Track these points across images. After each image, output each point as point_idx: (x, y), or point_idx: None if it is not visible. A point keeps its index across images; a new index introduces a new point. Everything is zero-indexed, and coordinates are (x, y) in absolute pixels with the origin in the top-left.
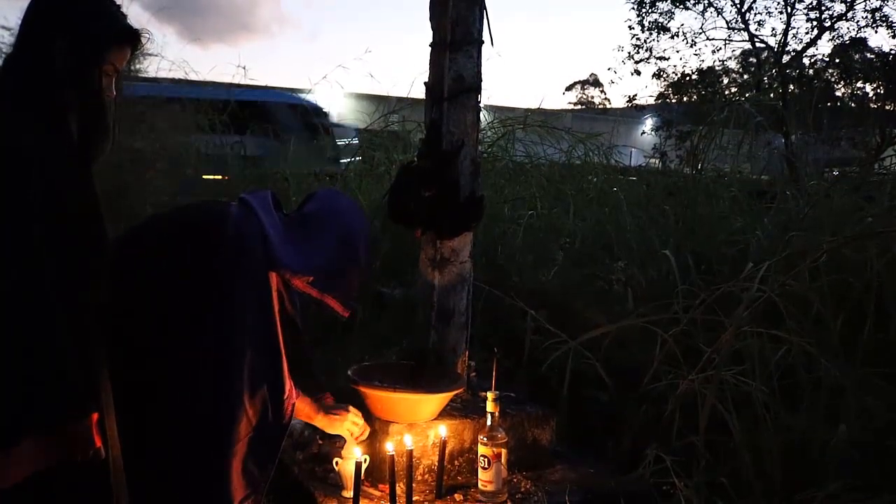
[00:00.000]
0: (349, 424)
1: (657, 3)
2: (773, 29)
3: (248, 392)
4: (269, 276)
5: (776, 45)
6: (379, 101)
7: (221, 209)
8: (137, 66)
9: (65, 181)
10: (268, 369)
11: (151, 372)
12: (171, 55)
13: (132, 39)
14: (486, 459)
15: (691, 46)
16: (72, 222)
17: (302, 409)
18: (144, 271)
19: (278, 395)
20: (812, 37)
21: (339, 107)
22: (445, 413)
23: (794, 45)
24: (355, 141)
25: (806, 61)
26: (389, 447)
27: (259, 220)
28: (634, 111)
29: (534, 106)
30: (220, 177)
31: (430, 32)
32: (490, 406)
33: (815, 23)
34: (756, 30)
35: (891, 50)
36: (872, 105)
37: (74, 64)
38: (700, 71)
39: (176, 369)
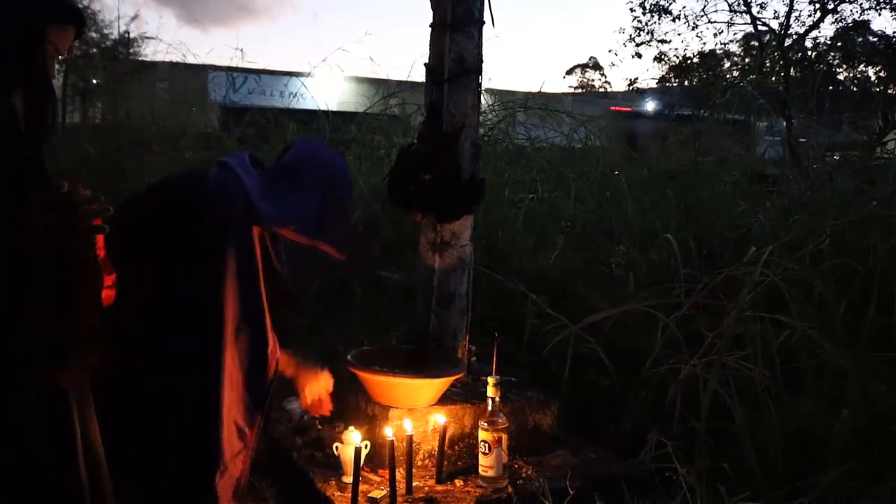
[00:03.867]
0: (321, 384)
1: None
2: (776, 11)
3: (233, 349)
4: (252, 232)
5: (778, 28)
6: (379, 85)
7: (200, 173)
8: (135, 49)
9: (12, 160)
10: (252, 325)
11: (138, 334)
12: (168, 38)
13: (74, 19)
14: (486, 445)
15: (693, 29)
16: (21, 202)
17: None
18: (128, 245)
19: (263, 350)
20: (815, 19)
21: (339, 90)
22: (446, 398)
23: (796, 27)
24: None
25: (808, 44)
26: (389, 432)
27: (238, 178)
28: (635, 94)
29: (534, 89)
30: None
31: (431, 12)
32: (491, 391)
33: (817, 5)
34: (758, 12)
35: (894, 33)
36: (875, 89)
37: (13, 39)
38: (702, 54)
39: (162, 331)
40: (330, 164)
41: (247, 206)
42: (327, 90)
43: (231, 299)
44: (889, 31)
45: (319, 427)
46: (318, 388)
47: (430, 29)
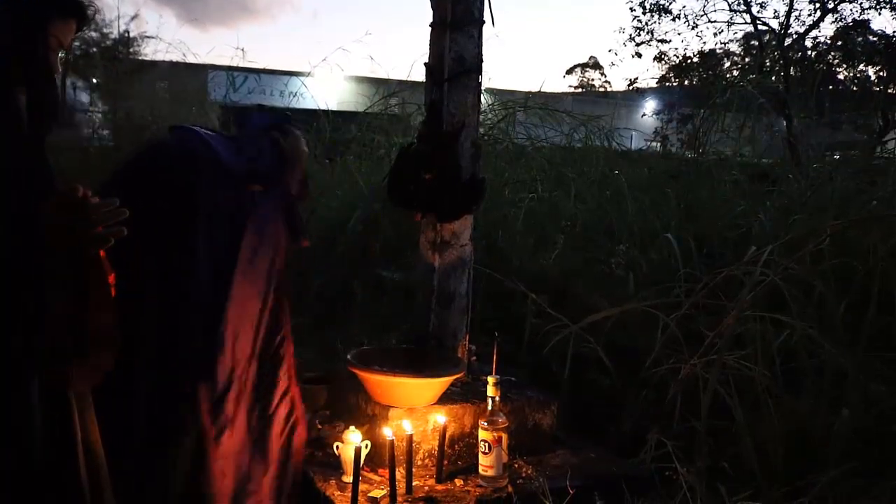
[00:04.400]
0: None
1: None
2: (776, 11)
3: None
4: (228, 183)
5: (778, 28)
6: (379, 84)
7: (157, 145)
8: (135, 49)
9: (14, 158)
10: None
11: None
12: (168, 37)
13: (76, 12)
14: (486, 444)
15: (693, 29)
16: (25, 199)
17: None
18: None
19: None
20: (815, 19)
21: (339, 90)
22: (446, 397)
23: (796, 27)
24: None
25: (808, 44)
26: (389, 432)
27: (196, 133)
28: (635, 94)
29: (534, 89)
30: None
31: (431, 12)
32: (491, 390)
33: (817, 5)
34: (758, 12)
35: (894, 32)
36: (875, 88)
37: (15, 34)
38: (702, 54)
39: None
40: (279, 125)
41: (212, 159)
42: (327, 90)
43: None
44: (889, 31)
45: (319, 427)
46: None
47: (430, 28)
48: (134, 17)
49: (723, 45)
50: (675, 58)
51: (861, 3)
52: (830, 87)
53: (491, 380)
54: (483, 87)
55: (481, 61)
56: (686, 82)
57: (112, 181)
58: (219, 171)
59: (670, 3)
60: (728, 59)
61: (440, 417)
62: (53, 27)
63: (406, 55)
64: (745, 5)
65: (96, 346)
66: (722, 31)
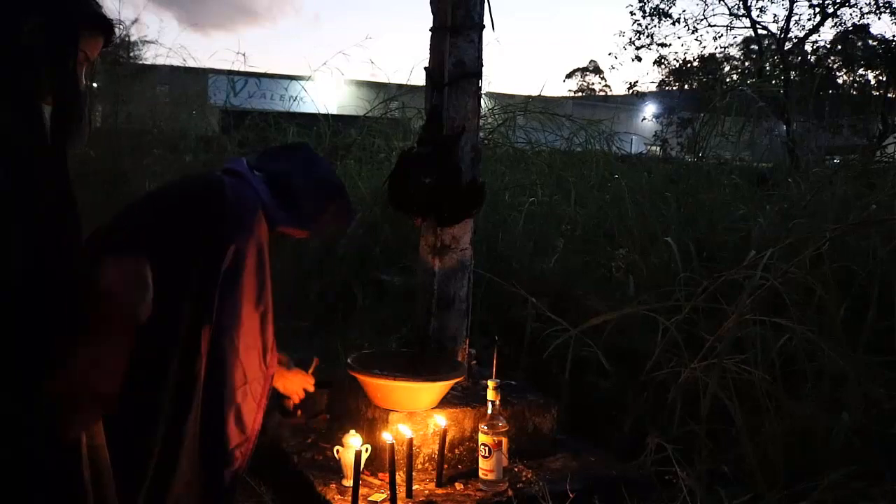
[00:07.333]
0: (300, 384)
1: None
2: (776, 15)
3: (243, 345)
4: (265, 235)
5: (778, 32)
6: (379, 88)
7: (217, 178)
8: (136, 53)
9: (36, 170)
10: (261, 324)
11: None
12: (168, 41)
13: (104, 27)
14: (486, 448)
15: (693, 33)
16: (43, 211)
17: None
18: (146, 241)
19: (266, 348)
20: (814, 23)
21: (340, 94)
22: (446, 401)
23: (796, 31)
24: None
25: (808, 48)
26: (388, 436)
27: (252, 186)
28: (635, 98)
29: (534, 93)
30: None
31: (431, 17)
32: (491, 394)
33: (817, 9)
34: (758, 16)
35: (893, 37)
36: (874, 92)
37: (46, 46)
38: (701, 58)
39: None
40: (317, 167)
41: (262, 212)
42: (327, 94)
43: (245, 298)
44: (889, 35)
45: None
46: (292, 386)
47: (430, 33)
48: (135, 22)
49: (723, 50)
50: (674, 62)
51: (860, 8)
52: (830, 91)
53: (491, 384)
54: (483, 92)
55: (481, 65)
56: (686, 86)
57: (156, 200)
58: (256, 223)
59: (670, 7)
60: (728, 64)
61: (440, 421)
62: (83, 41)
63: (406, 59)
64: (744, 10)
65: (95, 403)
66: (722, 35)
